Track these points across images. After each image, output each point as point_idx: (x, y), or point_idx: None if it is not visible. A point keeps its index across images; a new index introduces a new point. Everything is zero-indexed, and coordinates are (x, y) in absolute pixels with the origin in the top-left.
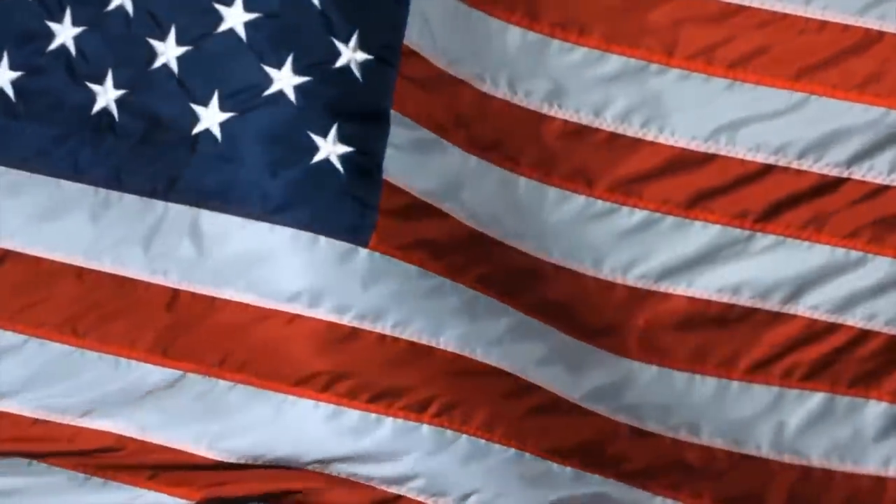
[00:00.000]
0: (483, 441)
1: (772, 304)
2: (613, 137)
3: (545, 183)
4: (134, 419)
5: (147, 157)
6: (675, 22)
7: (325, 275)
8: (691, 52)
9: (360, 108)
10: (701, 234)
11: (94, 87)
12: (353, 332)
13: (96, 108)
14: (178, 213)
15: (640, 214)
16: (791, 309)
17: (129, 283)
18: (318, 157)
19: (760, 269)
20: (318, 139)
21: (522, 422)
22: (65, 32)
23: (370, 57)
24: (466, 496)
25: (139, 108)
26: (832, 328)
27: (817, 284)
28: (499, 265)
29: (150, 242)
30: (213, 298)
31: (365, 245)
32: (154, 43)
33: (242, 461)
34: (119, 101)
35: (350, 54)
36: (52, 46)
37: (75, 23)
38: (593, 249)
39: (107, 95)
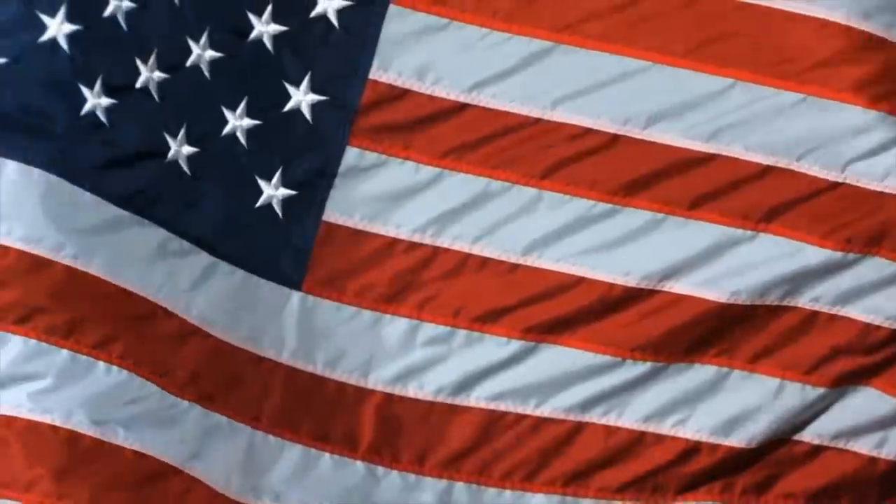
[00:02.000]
0: (413, 476)
1: (771, 301)
2: (618, 139)
3: (541, 189)
4: None
5: (126, 171)
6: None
7: (261, 313)
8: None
9: (307, 151)
10: (702, 234)
11: (83, 88)
12: (290, 371)
13: (85, 109)
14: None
15: (642, 215)
16: (791, 303)
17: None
18: (260, 202)
19: (757, 269)
20: (262, 183)
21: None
22: (57, 27)
23: (324, 98)
24: None
25: (125, 124)
26: (833, 319)
27: (815, 281)
28: (451, 281)
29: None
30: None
31: (298, 288)
32: (139, 64)
33: None
34: (109, 110)
35: (300, 97)
36: (43, 38)
37: (70, 19)
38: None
39: (94, 100)
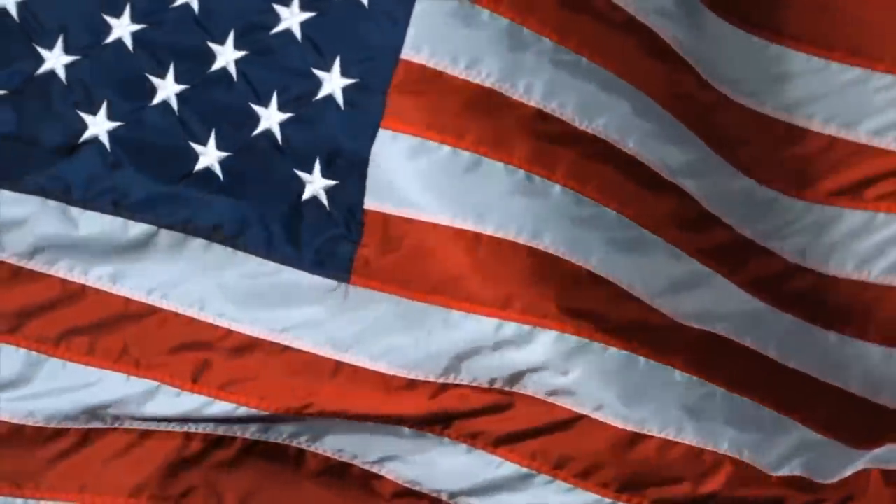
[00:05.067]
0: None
1: None
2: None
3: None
4: None
5: (146, 191)
6: None
7: (308, 309)
8: None
9: (345, 137)
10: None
11: (85, 115)
12: (338, 366)
13: (86, 135)
14: (191, 243)
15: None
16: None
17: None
18: (306, 195)
19: None
20: (304, 175)
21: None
22: (55, 59)
23: (355, 80)
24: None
25: (136, 142)
26: None
27: None
28: (497, 270)
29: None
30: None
31: (346, 280)
32: (154, 80)
33: None
34: (112, 133)
35: (333, 83)
36: (40, 71)
37: (68, 51)
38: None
39: (99, 126)
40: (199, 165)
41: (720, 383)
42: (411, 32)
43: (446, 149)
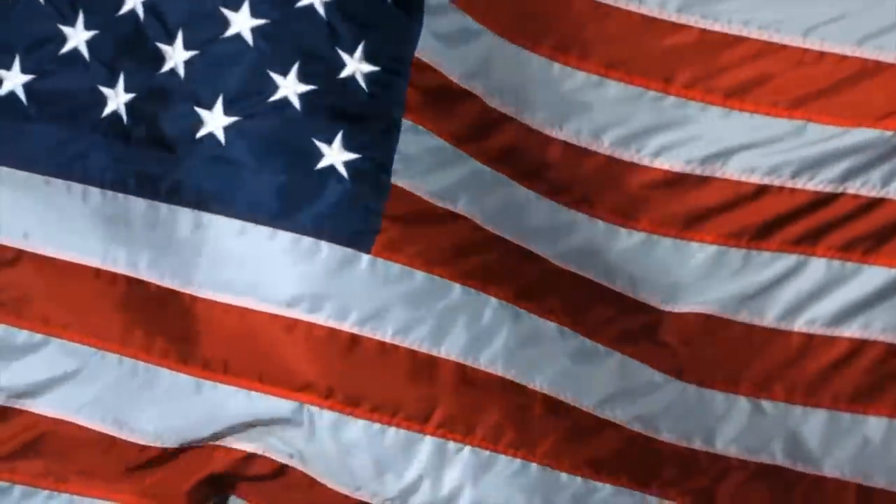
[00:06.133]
0: (488, 452)
1: (768, 322)
2: (611, 161)
3: (554, 201)
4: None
5: (153, 161)
6: (674, 50)
7: (325, 280)
8: (688, 80)
9: (368, 117)
10: (698, 254)
11: (106, 90)
12: (353, 339)
13: (107, 111)
14: (182, 216)
15: (638, 236)
16: (788, 326)
17: (138, 284)
18: (322, 164)
19: (757, 286)
20: (322, 146)
21: (529, 431)
22: (77, 36)
23: (377, 68)
24: None
25: (147, 112)
26: (830, 341)
27: (815, 299)
28: (512, 268)
29: (156, 246)
30: (214, 303)
31: (367, 251)
32: (162, 47)
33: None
34: (128, 105)
35: (355, 65)
36: (65, 50)
37: (87, 26)
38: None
39: (117, 99)
40: (202, 132)
41: None
42: (423, 33)
43: (450, 147)
